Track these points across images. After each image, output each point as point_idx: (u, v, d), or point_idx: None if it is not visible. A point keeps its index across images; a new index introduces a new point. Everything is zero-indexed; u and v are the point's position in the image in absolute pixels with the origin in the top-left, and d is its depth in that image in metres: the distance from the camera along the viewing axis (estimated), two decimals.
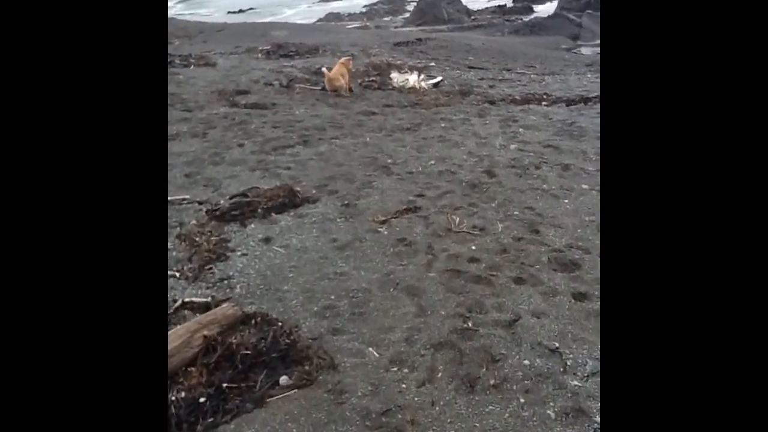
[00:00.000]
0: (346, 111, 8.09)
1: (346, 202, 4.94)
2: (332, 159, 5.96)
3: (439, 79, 10.36)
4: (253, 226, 4.55)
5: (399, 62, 12.28)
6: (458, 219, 4.55)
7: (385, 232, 4.40)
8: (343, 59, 9.61)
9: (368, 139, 6.67)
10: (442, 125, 7.30)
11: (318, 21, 25.28)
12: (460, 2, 24.83)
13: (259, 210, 4.71)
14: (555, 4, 24.31)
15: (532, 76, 11.44)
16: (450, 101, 8.72)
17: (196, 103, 8.41)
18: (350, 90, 9.39)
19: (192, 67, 11.19)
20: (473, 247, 4.17)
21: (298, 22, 24.08)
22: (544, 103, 8.45)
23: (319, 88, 9.78)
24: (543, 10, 25.02)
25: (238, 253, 4.15)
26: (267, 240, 4.33)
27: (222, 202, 4.89)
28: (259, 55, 12.78)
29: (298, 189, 5.05)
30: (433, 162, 5.84)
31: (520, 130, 7.01)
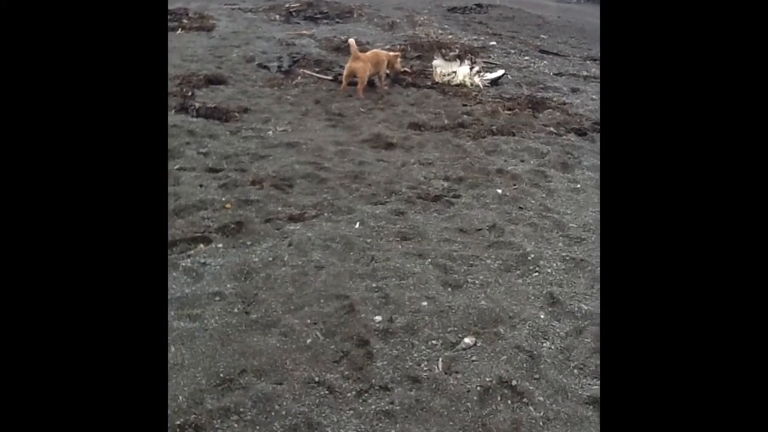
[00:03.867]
0: (348, 135, 4.55)
1: None
2: (262, 298, 2.48)
3: (500, 73, 6.59)
4: None
5: (450, 37, 8.49)
6: None
7: None
8: (389, 53, 5.97)
9: (357, 225, 3.17)
10: (500, 190, 3.73)
11: None
12: None
13: None
14: None
15: None
16: (514, 121, 5.07)
17: None
18: (373, 85, 5.84)
19: (179, 31, 7.71)
20: None
21: None
22: None
23: (330, 77, 6.23)
24: None
25: None
26: None
27: None
28: (277, 17, 9.18)
29: None
30: (471, 342, 2.34)
31: None
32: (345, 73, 5.74)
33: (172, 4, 9.33)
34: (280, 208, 3.30)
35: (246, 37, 7.57)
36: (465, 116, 5.13)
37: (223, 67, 6.24)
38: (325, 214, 3.26)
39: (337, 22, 9.04)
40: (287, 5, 9.98)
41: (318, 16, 9.29)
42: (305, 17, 9.25)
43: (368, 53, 5.93)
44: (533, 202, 3.55)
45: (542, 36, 9.12)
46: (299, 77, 6.11)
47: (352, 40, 5.75)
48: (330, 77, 6.18)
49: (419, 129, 4.76)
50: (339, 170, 3.84)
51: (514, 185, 3.76)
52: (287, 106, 5.22)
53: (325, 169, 3.85)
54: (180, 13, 8.37)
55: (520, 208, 3.46)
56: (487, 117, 5.15)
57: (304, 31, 8.22)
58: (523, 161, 4.16)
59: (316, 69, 6.38)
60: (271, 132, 4.50)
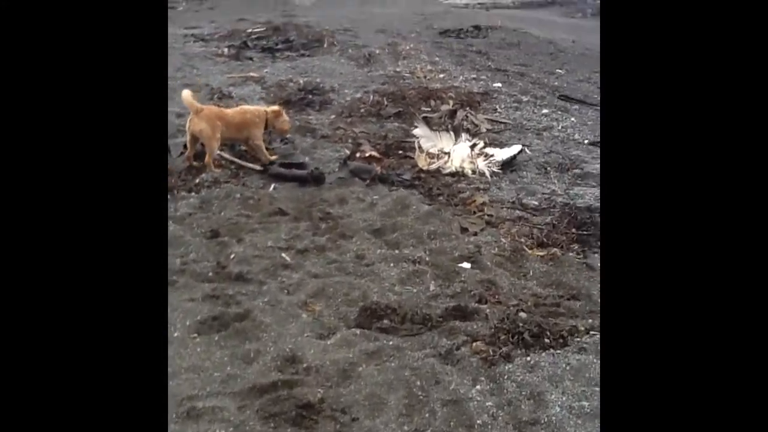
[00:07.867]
0: (227, 360, 2.03)
1: None
2: None
3: (515, 151, 3.92)
4: None
5: (442, 76, 5.85)
6: None
7: None
8: (266, 109, 3.71)
9: None
10: None
11: None
12: None
13: None
14: None
15: None
16: (554, 283, 2.45)
17: None
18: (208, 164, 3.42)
19: None
20: None
21: None
22: None
23: (259, 168, 3.63)
24: None
25: None
26: None
27: None
28: (226, 50, 6.52)
29: None
30: None
31: None
32: (188, 136, 3.44)
33: None
34: None
35: (169, 85, 4.96)
36: (465, 270, 2.56)
37: None
38: None
39: (301, 55, 6.40)
40: (249, 30, 7.34)
41: (279, 46, 6.64)
42: (263, 48, 6.60)
43: (231, 110, 3.63)
44: None
45: (558, 71, 6.44)
46: (212, 166, 3.53)
47: (186, 93, 3.37)
48: (259, 167, 3.59)
49: (378, 325, 2.17)
50: None
51: None
52: None
53: None
54: None
55: None
56: (505, 270, 2.56)
57: (252, 73, 5.59)
58: None
59: (243, 147, 3.79)
60: None
